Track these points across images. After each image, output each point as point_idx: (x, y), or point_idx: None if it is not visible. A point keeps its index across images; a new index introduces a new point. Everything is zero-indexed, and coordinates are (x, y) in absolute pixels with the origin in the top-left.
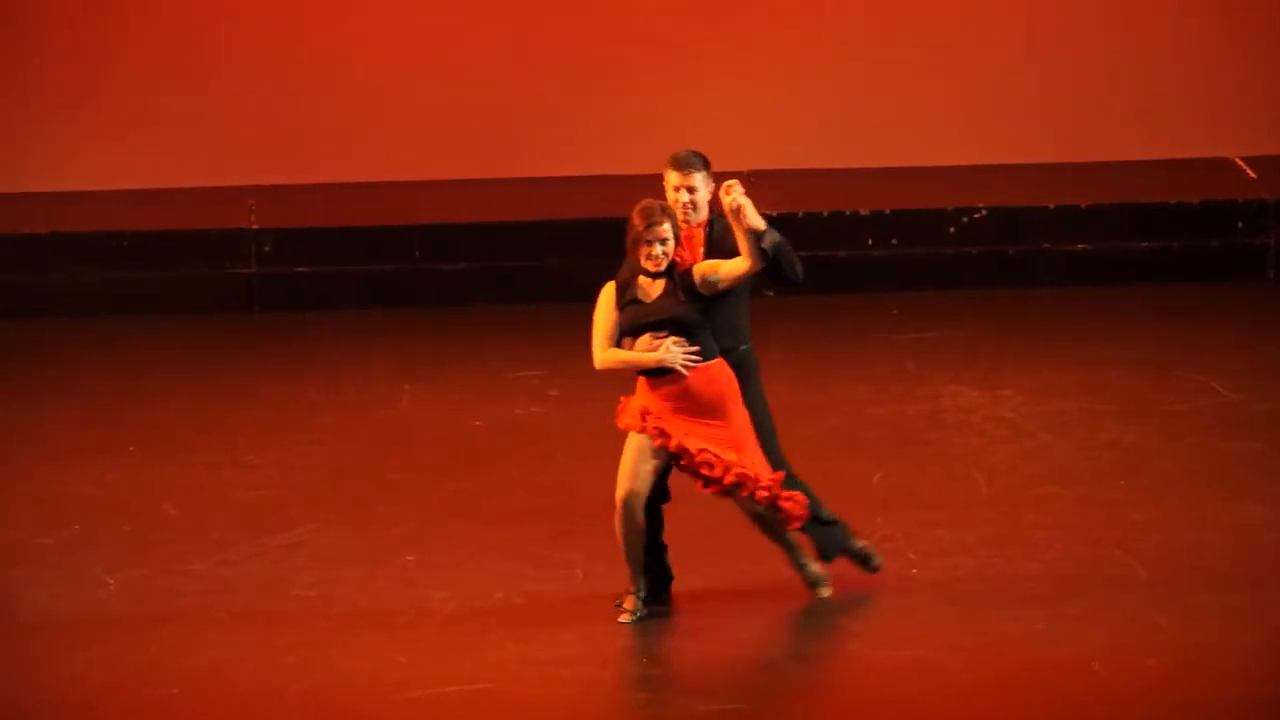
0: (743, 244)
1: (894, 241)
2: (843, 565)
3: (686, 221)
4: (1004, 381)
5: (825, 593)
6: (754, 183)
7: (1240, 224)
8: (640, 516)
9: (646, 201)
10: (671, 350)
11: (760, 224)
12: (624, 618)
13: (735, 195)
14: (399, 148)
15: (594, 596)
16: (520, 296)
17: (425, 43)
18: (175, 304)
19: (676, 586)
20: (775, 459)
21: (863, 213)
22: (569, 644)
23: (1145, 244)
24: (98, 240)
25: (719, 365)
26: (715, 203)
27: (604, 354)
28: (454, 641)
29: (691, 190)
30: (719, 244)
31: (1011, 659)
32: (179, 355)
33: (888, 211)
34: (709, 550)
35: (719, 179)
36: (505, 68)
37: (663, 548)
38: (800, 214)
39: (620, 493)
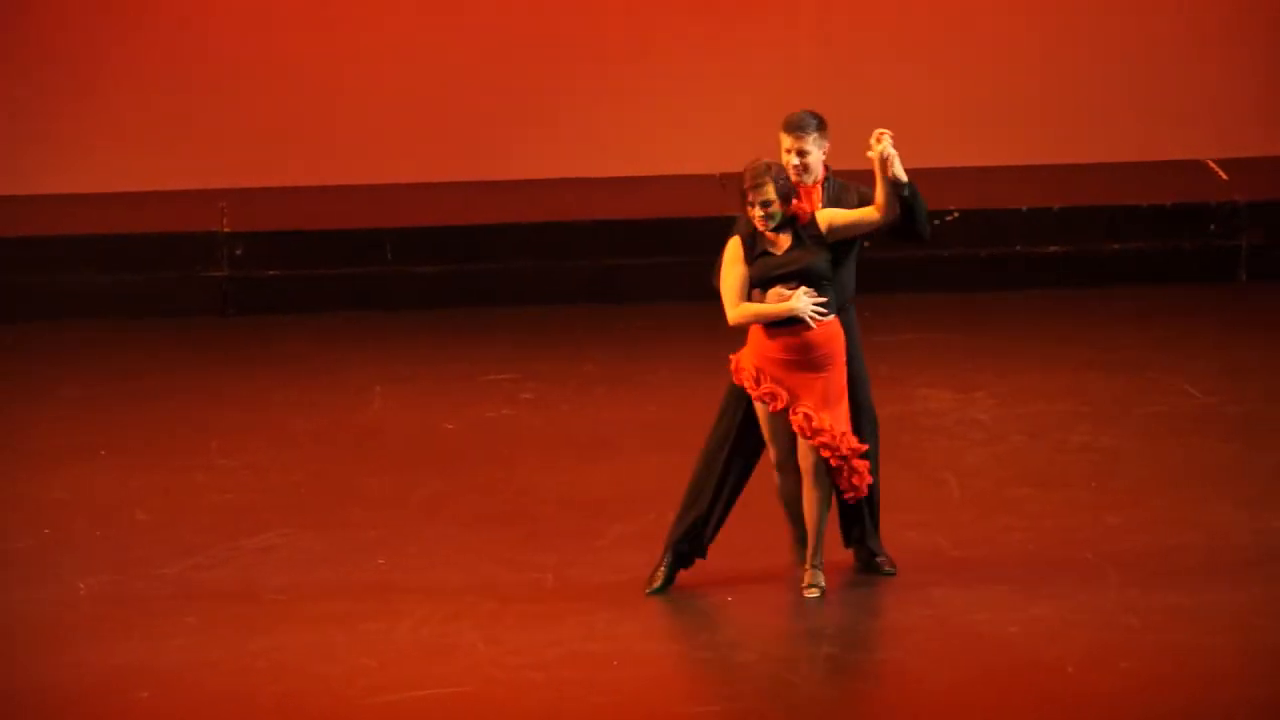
0: (880, 193)
1: (866, 244)
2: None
3: (800, 183)
4: (977, 384)
5: (812, 594)
6: (727, 185)
7: (1213, 226)
8: (789, 483)
9: (755, 159)
10: (803, 300)
11: (904, 176)
12: (811, 593)
13: (886, 145)
14: (371, 151)
15: (566, 599)
16: (493, 299)
17: (399, 46)
18: (147, 307)
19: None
20: (867, 419)
21: None
22: (541, 647)
23: (1118, 246)
24: (69, 244)
25: (835, 322)
26: (829, 162)
27: (737, 310)
28: (426, 645)
29: (803, 154)
30: (835, 202)
31: (985, 662)
32: (151, 359)
33: None
34: None
35: (698, 181)
36: (479, 70)
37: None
38: None
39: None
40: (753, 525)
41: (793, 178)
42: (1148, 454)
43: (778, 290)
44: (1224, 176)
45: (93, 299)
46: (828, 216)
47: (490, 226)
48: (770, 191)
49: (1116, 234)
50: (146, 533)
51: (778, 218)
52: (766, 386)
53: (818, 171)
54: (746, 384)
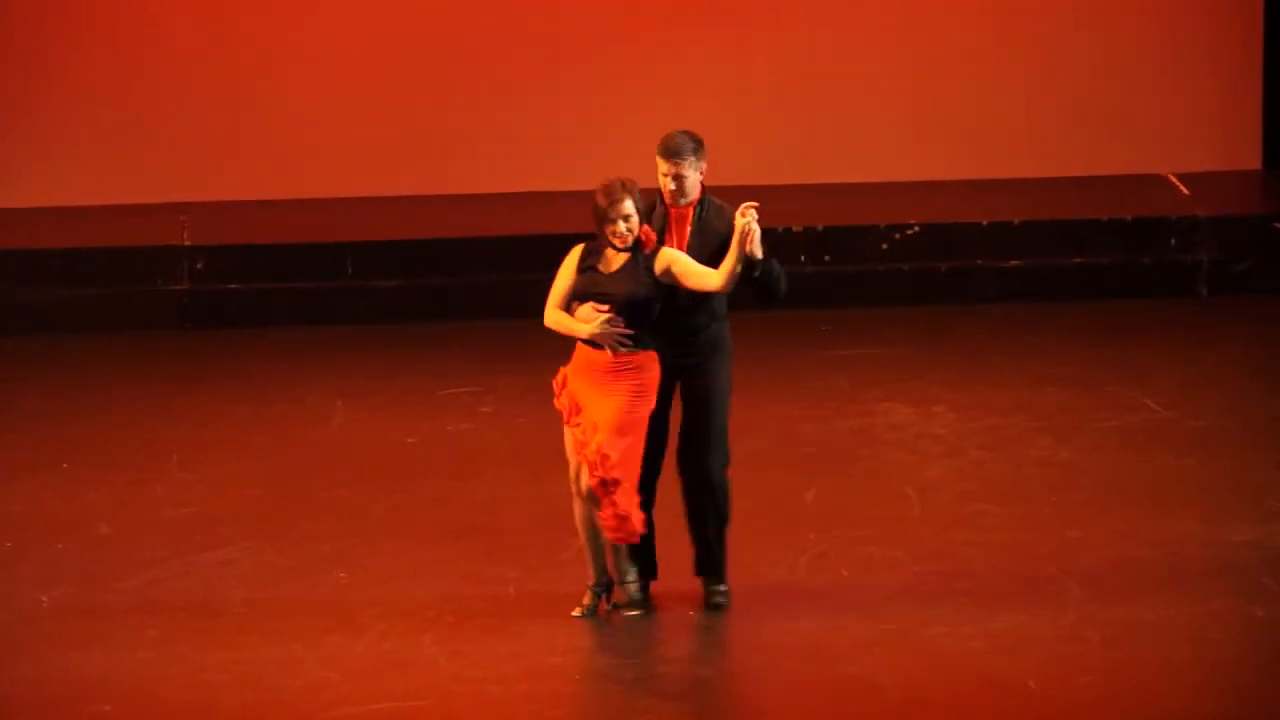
0: (729, 264)
1: (826, 258)
2: (778, 583)
3: (674, 205)
4: (936, 398)
5: (575, 613)
6: None
7: (1173, 241)
8: (581, 504)
9: (609, 178)
10: (604, 328)
11: (759, 254)
12: (576, 611)
13: (750, 219)
14: (331, 164)
15: (526, 613)
16: (452, 313)
17: (357, 60)
18: (107, 321)
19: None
20: (714, 447)
21: (795, 229)
22: (502, 660)
23: (1078, 260)
24: (28, 258)
25: (649, 358)
26: (706, 184)
27: (551, 314)
28: (386, 658)
29: (679, 178)
30: (706, 225)
31: (945, 676)
32: (111, 372)
33: (820, 228)
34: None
35: (653, 196)
36: (440, 83)
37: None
38: None
39: (578, 485)
40: None
41: (667, 201)
42: (1107, 468)
43: (589, 307)
44: (1184, 191)
45: (52, 312)
46: (669, 258)
47: (450, 240)
48: (629, 207)
49: (1077, 248)
50: (107, 546)
51: (633, 234)
52: (562, 399)
53: (693, 193)
54: (554, 391)
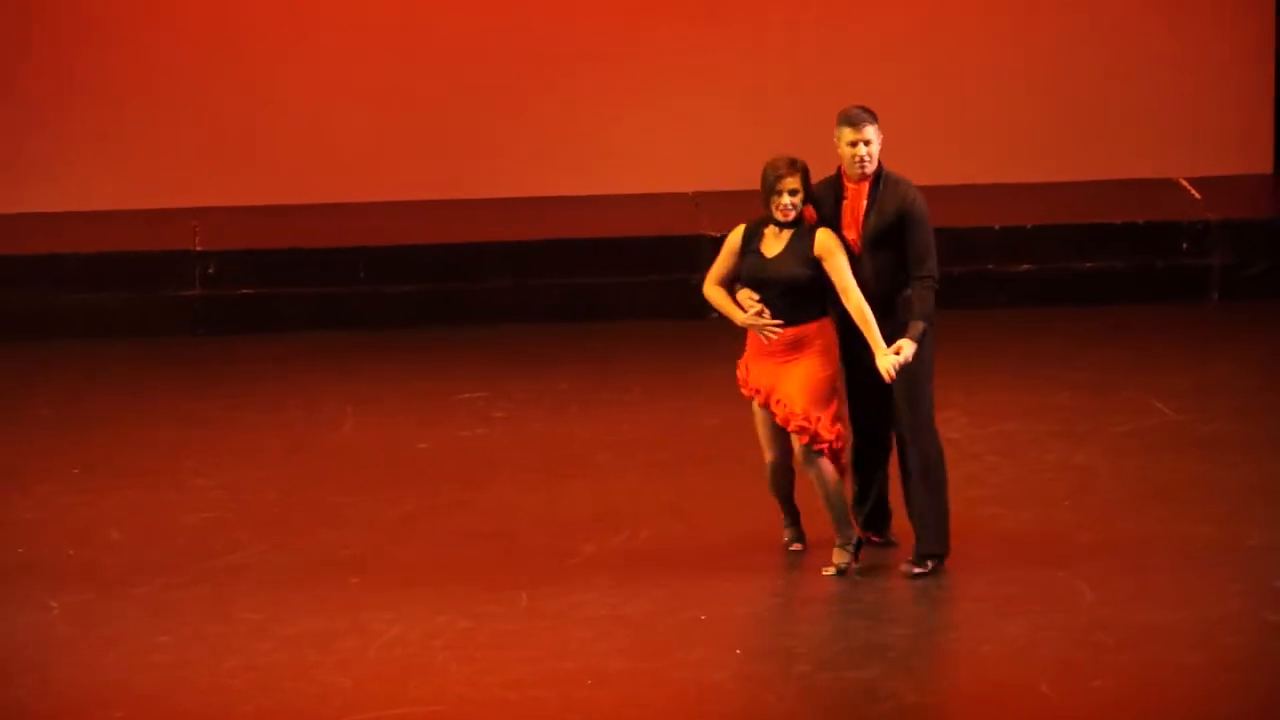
0: (868, 333)
1: None
2: (788, 587)
3: (864, 175)
4: (948, 402)
5: (828, 571)
6: (700, 204)
7: (1185, 245)
8: (779, 479)
9: (778, 155)
10: (755, 319)
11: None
12: (827, 570)
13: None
14: (343, 169)
15: (539, 618)
16: (464, 318)
17: (371, 63)
18: (119, 327)
19: (620, 608)
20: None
21: None
22: (514, 666)
23: (1090, 265)
24: (39, 263)
25: (821, 325)
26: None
27: (711, 289)
28: (399, 664)
29: (867, 143)
30: (883, 203)
31: (958, 681)
32: (122, 378)
33: None
34: (654, 572)
35: (673, 200)
36: (454, 87)
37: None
38: None
39: (766, 458)
40: (726, 541)
41: (856, 170)
42: (1120, 472)
43: (748, 293)
44: (1196, 195)
45: (63, 318)
46: (826, 249)
47: (463, 245)
48: (796, 182)
49: (1089, 253)
50: (120, 552)
51: (799, 209)
52: (752, 384)
53: (875, 163)
54: (740, 381)
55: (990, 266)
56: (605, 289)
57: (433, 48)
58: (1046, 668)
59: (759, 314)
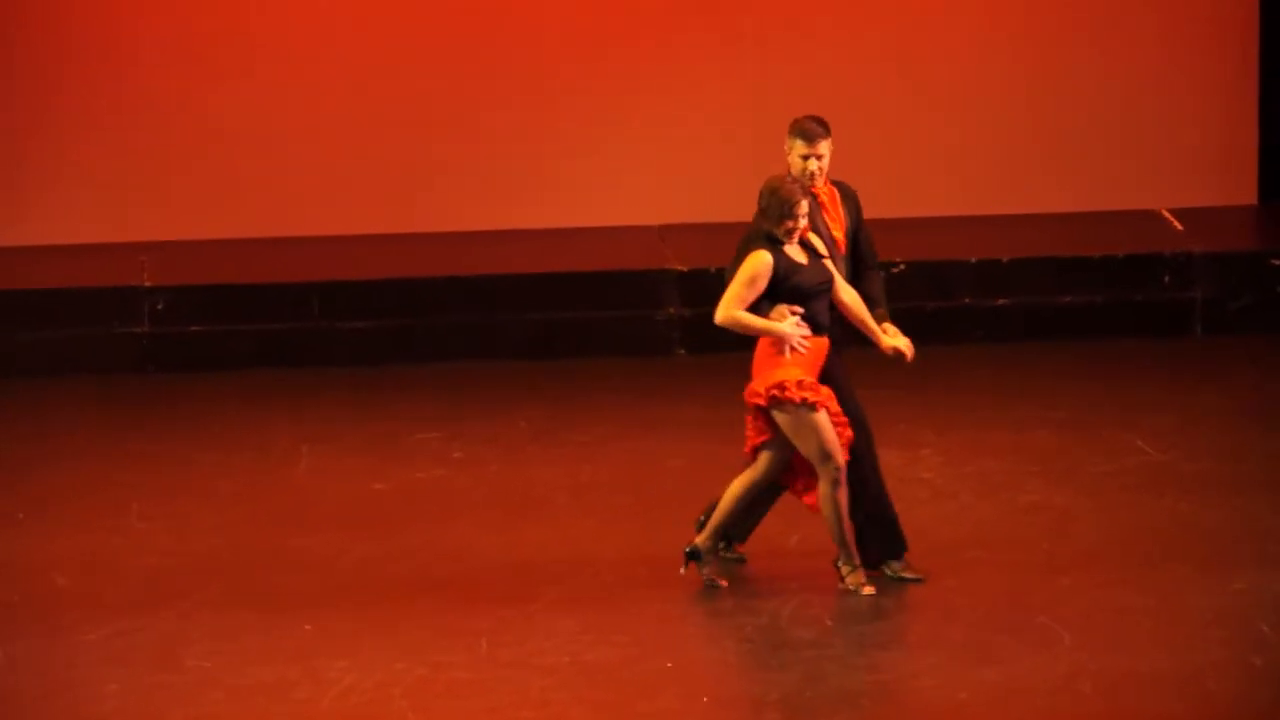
0: (867, 321)
1: None
2: (759, 631)
3: (814, 186)
4: (923, 441)
5: (865, 590)
6: (665, 237)
7: (1166, 278)
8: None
9: (783, 178)
10: (794, 329)
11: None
12: (868, 590)
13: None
14: (298, 202)
15: (498, 666)
16: (421, 356)
17: (326, 94)
18: (66, 365)
19: (582, 655)
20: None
21: None
22: (472, 716)
23: (1069, 299)
24: None
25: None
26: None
27: (734, 313)
28: (354, 714)
29: (820, 157)
30: (849, 202)
31: None
32: (70, 418)
33: None
34: (617, 618)
35: (636, 233)
36: (409, 119)
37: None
38: (713, 270)
39: (840, 463)
40: (692, 585)
41: (809, 184)
42: (1100, 513)
43: (785, 307)
44: (1178, 227)
45: (10, 356)
46: (823, 248)
47: (419, 280)
48: (807, 205)
49: (1067, 286)
50: (67, 598)
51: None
52: (822, 394)
53: (824, 177)
54: (805, 396)
55: (966, 301)
56: (567, 325)
57: (388, 77)
58: (1024, 716)
59: (797, 324)
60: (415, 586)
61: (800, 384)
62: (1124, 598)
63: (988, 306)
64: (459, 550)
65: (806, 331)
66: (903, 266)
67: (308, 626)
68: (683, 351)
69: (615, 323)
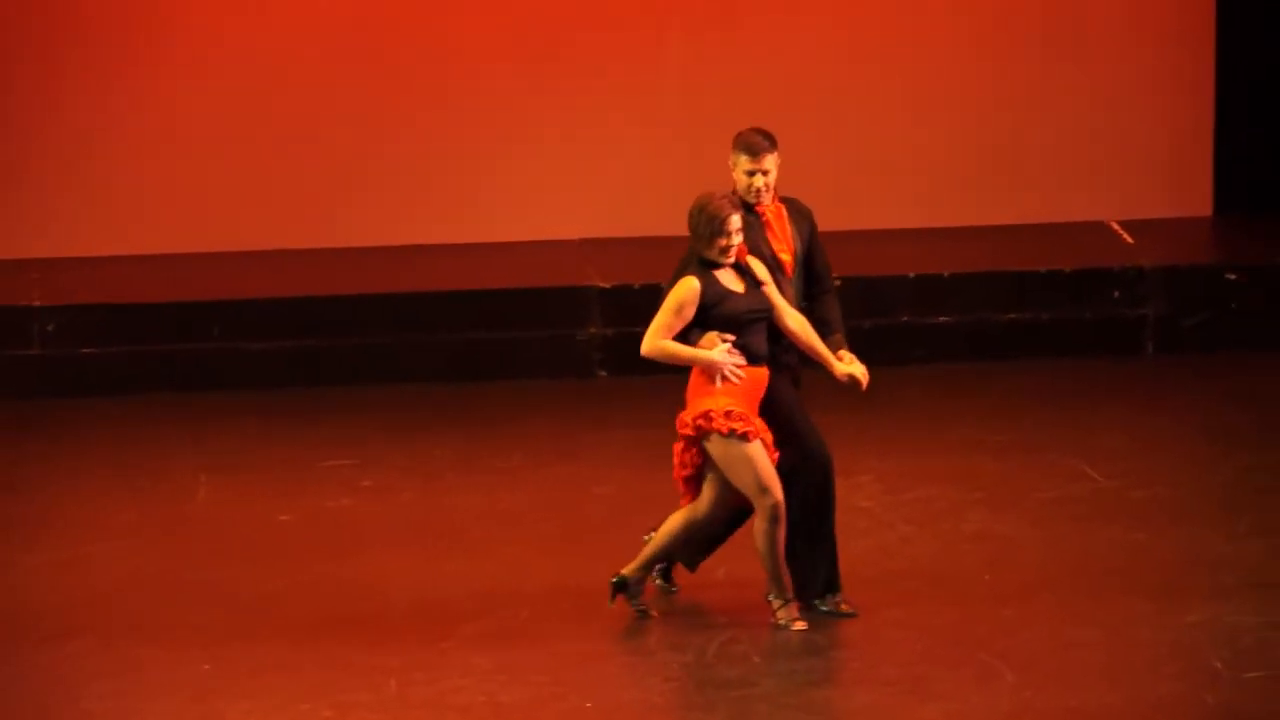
0: (818, 348)
1: None
2: (684, 668)
3: (760, 202)
4: (860, 468)
5: (796, 625)
6: (587, 252)
7: (1116, 294)
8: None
9: (712, 195)
10: (725, 358)
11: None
12: (800, 625)
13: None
14: (195, 217)
15: (409, 707)
16: (329, 378)
17: (225, 107)
18: None
19: (498, 695)
20: None
21: None
22: None
23: (1013, 316)
24: None
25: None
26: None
27: (662, 343)
28: None
29: (765, 173)
30: (795, 222)
31: None
32: None
33: None
34: (535, 656)
35: (552, 249)
36: (318, 128)
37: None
38: (638, 285)
39: (778, 498)
40: (615, 622)
41: (754, 200)
42: (1045, 543)
43: (714, 335)
44: (1129, 240)
45: None
46: (765, 273)
47: (326, 299)
48: (739, 221)
49: (1012, 303)
50: None
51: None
52: (755, 426)
53: (771, 193)
54: (732, 428)
55: (905, 319)
56: (483, 345)
57: (295, 85)
58: None
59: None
60: (321, 622)
61: (728, 414)
62: (1070, 631)
63: (928, 324)
64: (369, 584)
65: (740, 360)
66: (838, 282)
67: (206, 666)
68: (604, 373)
69: (534, 343)
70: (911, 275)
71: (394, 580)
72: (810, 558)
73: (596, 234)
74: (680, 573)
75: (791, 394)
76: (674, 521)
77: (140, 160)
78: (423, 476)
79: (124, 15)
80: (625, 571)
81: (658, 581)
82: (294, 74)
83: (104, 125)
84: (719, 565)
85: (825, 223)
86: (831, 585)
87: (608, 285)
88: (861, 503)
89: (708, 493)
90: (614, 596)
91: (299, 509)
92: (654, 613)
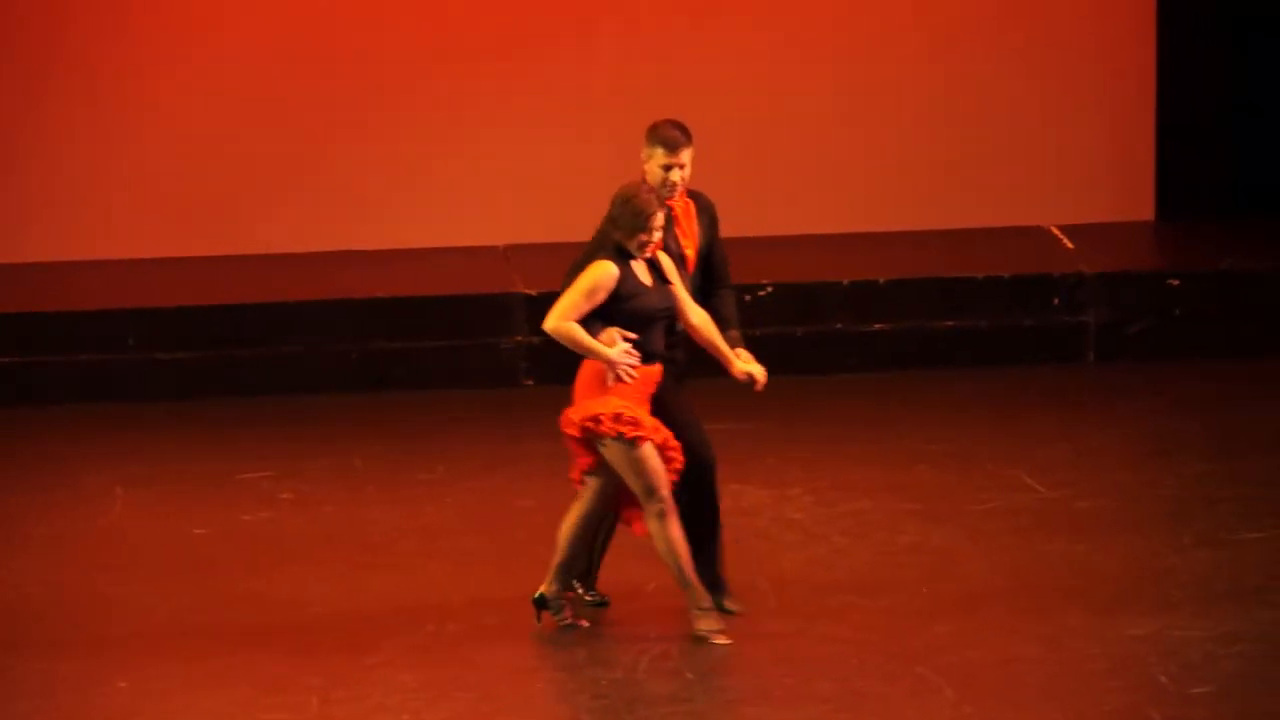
0: (719, 345)
1: None
2: (613, 685)
3: (672, 197)
4: (792, 479)
5: (718, 640)
6: (512, 259)
7: (1056, 300)
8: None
9: (640, 186)
10: (622, 358)
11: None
12: (721, 640)
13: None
14: (109, 223)
15: None
16: (247, 388)
17: (141, 110)
18: None
19: (422, 713)
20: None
21: None
22: None
23: (951, 323)
24: None
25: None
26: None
27: (567, 324)
28: None
29: (681, 167)
30: (701, 218)
31: None
32: None
33: None
34: (461, 672)
35: (476, 255)
36: (232, 132)
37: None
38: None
39: (663, 497)
40: (543, 638)
41: (668, 195)
42: (984, 555)
43: (616, 331)
44: (1069, 245)
45: None
46: (672, 269)
47: (245, 306)
48: (663, 218)
49: (950, 309)
50: None
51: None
52: (647, 425)
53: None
54: (617, 430)
55: (838, 326)
56: (405, 354)
57: (208, 85)
58: None
59: (628, 352)
60: (240, 639)
61: (618, 417)
62: (1011, 646)
63: (862, 332)
64: (289, 599)
65: (635, 361)
66: (769, 289)
67: (122, 683)
68: (531, 382)
69: (458, 351)
70: (845, 282)
71: (315, 595)
72: (697, 559)
73: (522, 240)
74: (611, 585)
75: (679, 395)
76: (567, 526)
77: (48, 165)
78: (344, 489)
79: (35, 17)
80: (543, 588)
81: (588, 596)
82: (208, 79)
83: (17, 130)
84: (650, 578)
85: (757, 227)
86: (717, 585)
87: (533, 292)
88: (793, 515)
89: (590, 488)
90: (539, 615)
91: (217, 522)
92: (583, 623)
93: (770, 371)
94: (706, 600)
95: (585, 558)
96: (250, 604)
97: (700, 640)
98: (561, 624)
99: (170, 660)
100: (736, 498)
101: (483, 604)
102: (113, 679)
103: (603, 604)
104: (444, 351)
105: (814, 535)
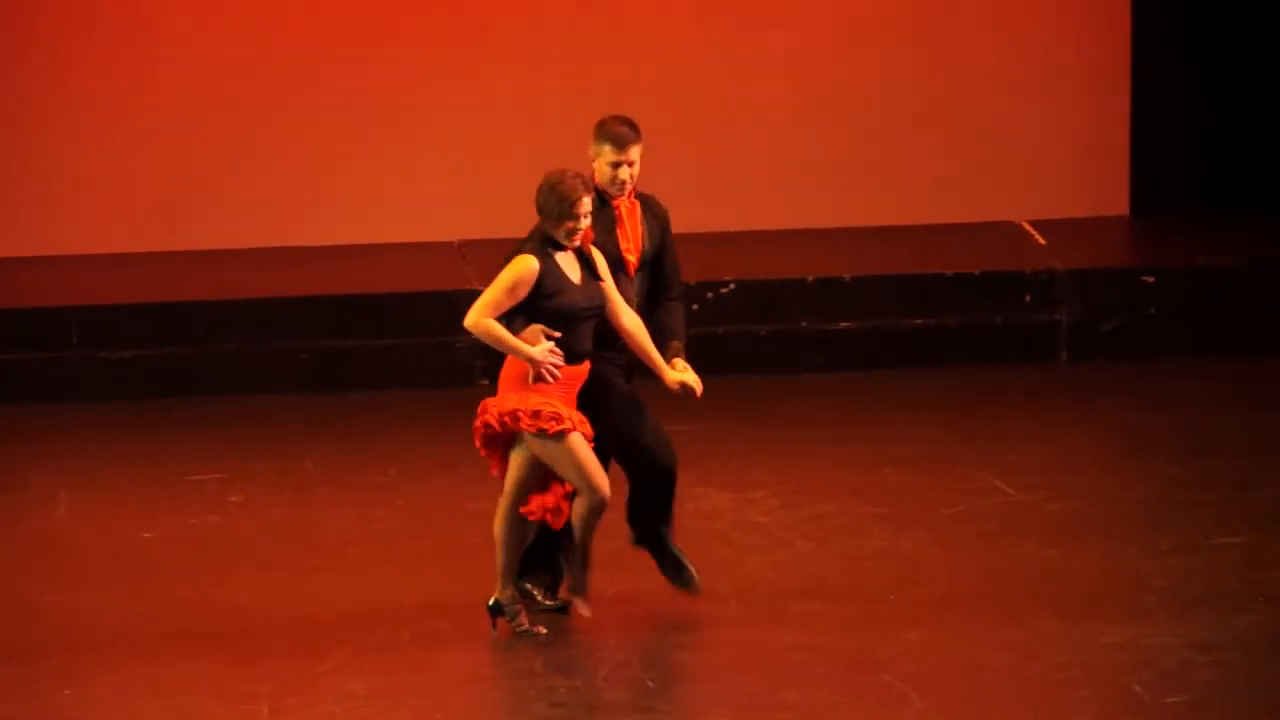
0: (652, 356)
1: None
2: (571, 695)
3: (620, 195)
4: (756, 482)
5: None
6: (466, 255)
7: (1028, 297)
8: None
9: (564, 172)
10: (545, 357)
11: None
12: (539, 629)
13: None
14: (49, 217)
15: None
16: (195, 388)
17: (81, 101)
18: None
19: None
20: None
21: None
22: None
23: (919, 321)
24: None
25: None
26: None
27: (486, 321)
28: None
29: (631, 164)
30: (648, 221)
31: None
32: None
33: None
34: (414, 680)
35: (429, 251)
36: (179, 125)
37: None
38: None
39: (604, 494)
40: (499, 643)
41: (617, 193)
42: (954, 560)
43: (539, 328)
44: (1041, 241)
45: None
46: (605, 267)
47: (192, 304)
48: (589, 204)
49: (917, 307)
50: None
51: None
52: (570, 420)
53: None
54: (542, 426)
55: (803, 324)
56: (357, 352)
57: (154, 79)
58: None
59: (552, 351)
60: (188, 646)
61: (536, 414)
62: (981, 654)
63: (828, 330)
64: (238, 605)
65: (559, 361)
66: (731, 286)
67: (68, 691)
68: (486, 381)
69: (411, 350)
70: (810, 279)
71: (265, 601)
72: (662, 560)
73: (476, 235)
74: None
75: (630, 396)
76: (499, 526)
77: None
78: (294, 491)
79: None
80: (496, 595)
81: (547, 601)
82: (151, 72)
83: None
84: (610, 583)
85: (719, 223)
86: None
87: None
88: (757, 518)
89: (509, 474)
90: (494, 622)
91: (164, 526)
92: (540, 630)
93: (733, 371)
94: (585, 584)
95: (548, 565)
96: (199, 610)
97: (541, 608)
98: (517, 630)
99: (117, 668)
100: (698, 500)
101: (436, 609)
102: (58, 687)
103: (561, 610)
104: (396, 350)
105: (778, 539)
